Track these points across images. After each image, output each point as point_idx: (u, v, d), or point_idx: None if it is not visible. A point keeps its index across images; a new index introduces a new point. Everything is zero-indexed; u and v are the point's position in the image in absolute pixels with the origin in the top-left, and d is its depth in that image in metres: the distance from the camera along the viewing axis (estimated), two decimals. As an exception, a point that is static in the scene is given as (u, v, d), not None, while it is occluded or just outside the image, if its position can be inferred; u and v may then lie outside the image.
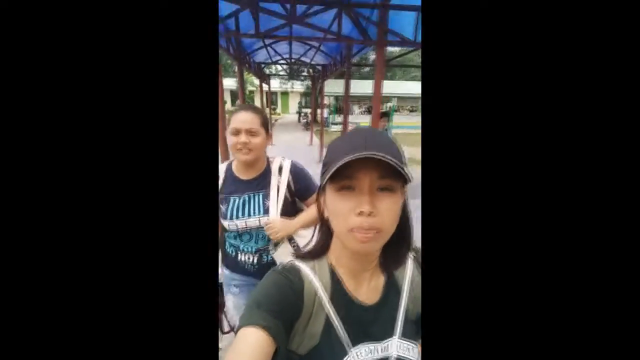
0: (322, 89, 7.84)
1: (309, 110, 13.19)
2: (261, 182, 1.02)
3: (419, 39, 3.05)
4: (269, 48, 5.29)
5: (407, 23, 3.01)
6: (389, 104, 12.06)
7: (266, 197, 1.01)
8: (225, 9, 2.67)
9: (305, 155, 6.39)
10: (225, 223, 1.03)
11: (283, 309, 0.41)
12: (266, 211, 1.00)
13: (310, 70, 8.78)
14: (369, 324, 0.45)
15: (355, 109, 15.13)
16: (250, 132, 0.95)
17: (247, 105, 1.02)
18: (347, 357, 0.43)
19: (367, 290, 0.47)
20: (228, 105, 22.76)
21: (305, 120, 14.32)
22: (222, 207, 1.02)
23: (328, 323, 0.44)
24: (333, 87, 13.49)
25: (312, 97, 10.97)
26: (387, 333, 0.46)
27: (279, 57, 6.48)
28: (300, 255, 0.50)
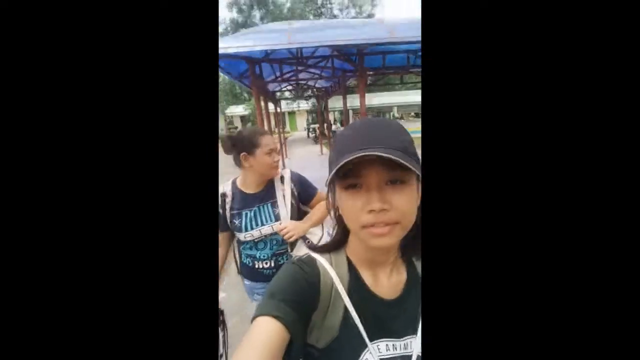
0: (326, 106, 8.85)
1: (317, 126, 14.22)
2: (267, 194, 1.13)
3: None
4: (279, 78, 6.33)
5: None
6: (391, 114, 12.94)
7: (274, 205, 1.12)
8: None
9: (319, 163, 7.32)
10: (242, 235, 1.13)
11: (298, 300, 0.41)
12: (277, 218, 1.11)
13: (315, 91, 9.84)
14: (389, 319, 0.44)
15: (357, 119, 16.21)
16: (277, 152, 1.10)
17: (262, 129, 1.15)
18: (365, 351, 0.42)
19: (387, 285, 0.46)
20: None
21: (314, 135, 15.36)
22: (237, 222, 1.12)
23: (346, 315, 0.43)
24: (335, 103, 14.58)
25: (318, 114, 12.00)
26: (407, 330, 0.44)
27: (286, 84, 7.55)
28: (317, 247, 0.50)
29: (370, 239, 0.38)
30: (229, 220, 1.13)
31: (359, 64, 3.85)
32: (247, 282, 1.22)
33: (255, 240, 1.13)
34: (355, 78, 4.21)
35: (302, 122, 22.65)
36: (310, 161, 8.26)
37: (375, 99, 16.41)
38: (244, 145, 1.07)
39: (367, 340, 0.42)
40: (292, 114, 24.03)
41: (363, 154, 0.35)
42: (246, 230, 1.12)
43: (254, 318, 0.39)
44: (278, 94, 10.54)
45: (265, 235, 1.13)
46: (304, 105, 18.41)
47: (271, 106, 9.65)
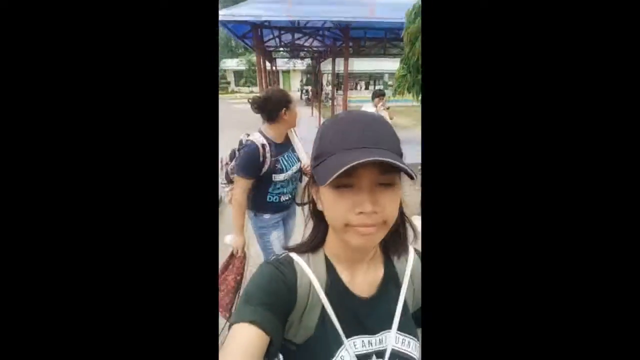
0: (319, 69, 9.54)
1: (310, 87, 14.76)
2: (287, 142, 1.45)
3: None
4: (276, 39, 7.00)
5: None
6: (382, 81, 13.58)
7: (294, 151, 1.47)
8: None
9: (308, 124, 8.32)
10: (281, 176, 1.38)
11: (275, 301, 0.41)
12: (298, 160, 1.46)
13: (310, 52, 10.38)
14: (365, 316, 0.45)
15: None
16: None
17: (286, 90, 1.41)
18: (342, 347, 0.43)
19: (363, 282, 0.47)
20: (233, 86, 24.18)
21: (306, 97, 15.95)
22: (278, 166, 1.37)
23: (323, 315, 0.44)
24: (328, 66, 14.98)
25: (313, 75, 12.57)
26: (383, 326, 0.45)
27: (283, 44, 8.16)
28: (294, 248, 0.49)
29: (355, 237, 0.38)
30: (270, 166, 1.34)
31: (344, 35, 4.73)
32: (267, 215, 1.45)
33: (286, 179, 1.42)
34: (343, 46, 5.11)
35: (296, 83, 22.82)
36: (300, 121, 9.21)
37: (365, 64, 16.83)
38: (281, 103, 1.33)
39: (343, 337, 0.43)
40: (286, 72, 24.00)
41: (372, 159, 0.33)
42: (285, 171, 1.39)
43: (231, 325, 0.38)
44: (274, 53, 11.00)
45: (291, 175, 1.43)
46: (300, 65, 18.58)
47: (268, 65, 10.18)
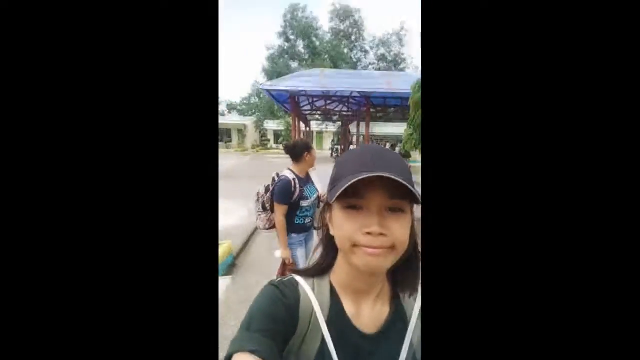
0: (349, 130, 10.59)
1: (340, 146, 16.00)
2: (308, 177, 1.93)
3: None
4: (311, 105, 8.24)
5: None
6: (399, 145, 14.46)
7: (313, 183, 1.94)
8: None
9: None
10: (307, 202, 1.83)
11: (275, 327, 0.40)
12: (317, 190, 1.93)
13: (340, 116, 11.69)
14: (366, 353, 0.42)
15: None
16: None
17: (308, 141, 1.99)
18: None
19: (369, 317, 0.44)
20: (272, 143, 26.77)
21: (336, 155, 17.15)
22: (304, 193, 1.83)
23: (323, 345, 0.42)
24: (355, 129, 16.43)
25: (342, 137, 13.79)
26: None
27: (316, 111, 9.48)
28: (301, 271, 0.48)
29: (362, 257, 0.37)
30: (299, 194, 1.79)
31: (366, 102, 5.58)
32: (294, 235, 1.87)
33: (310, 204, 1.87)
34: (365, 111, 5.94)
35: (327, 143, 24.74)
36: (327, 174, 9.99)
37: (388, 128, 18.20)
38: (305, 148, 1.86)
39: None
40: (320, 134, 26.31)
41: (378, 173, 0.34)
42: (309, 197, 1.85)
43: (230, 354, 0.36)
44: (309, 116, 12.53)
45: (312, 201, 1.87)
46: (331, 127, 20.41)
47: (303, 126, 11.56)
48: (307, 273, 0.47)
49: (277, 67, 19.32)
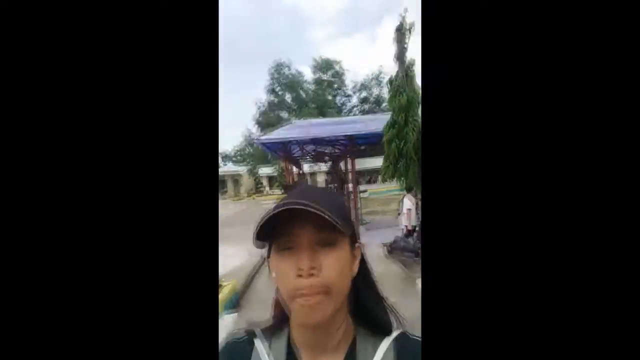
0: (339, 168, 11.36)
1: (334, 185, 16.71)
2: None
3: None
4: (302, 150, 9.08)
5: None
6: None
7: None
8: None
9: None
10: None
11: None
12: None
13: (330, 156, 12.53)
14: None
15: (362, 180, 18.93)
16: None
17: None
18: None
19: None
20: (267, 189, 27.40)
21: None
22: None
23: None
24: (344, 167, 17.40)
25: (334, 175, 14.55)
26: None
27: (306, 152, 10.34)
28: (259, 328, 0.45)
29: (299, 311, 0.35)
30: None
31: (350, 143, 6.34)
32: None
33: None
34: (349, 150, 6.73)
35: (321, 182, 25.56)
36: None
37: (372, 162, 19.46)
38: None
39: None
40: (313, 174, 27.30)
41: (289, 207, 0.33)
42: None
43: None
44: (301, 160, 13.41)
45: None
46: (323, 167, 21.37)
47: (295, 169, 12.32)
48: (266, 331, 0.45)
49: (268, 119, 20.75)
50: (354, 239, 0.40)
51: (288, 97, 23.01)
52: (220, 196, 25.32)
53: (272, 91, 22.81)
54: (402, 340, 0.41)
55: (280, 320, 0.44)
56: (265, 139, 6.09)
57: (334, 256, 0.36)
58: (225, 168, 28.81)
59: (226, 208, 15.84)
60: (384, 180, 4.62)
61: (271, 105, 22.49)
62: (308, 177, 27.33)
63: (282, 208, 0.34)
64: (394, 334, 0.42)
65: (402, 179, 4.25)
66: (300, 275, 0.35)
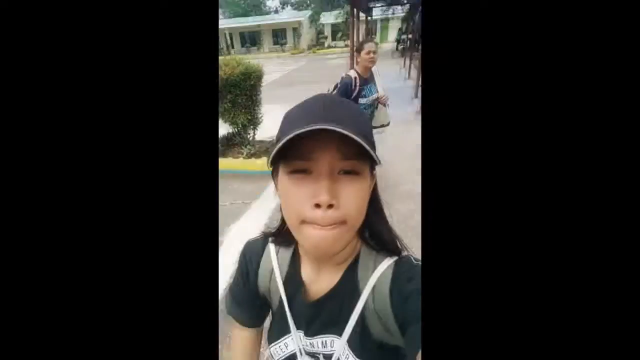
0: (417, 18, 8.86)
1: (409, 35, 13.73)
2: (371, 77, 2.25)
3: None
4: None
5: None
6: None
7: (374, 84, 2.26)
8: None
9: (394, 76, 8.45)
10: (363, 100, 2.16)
11: (244, 295, 0.48)
12: (377, 91, 2.24)
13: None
14: (309, 318, 0.43)
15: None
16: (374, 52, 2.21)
17: (366, 39, 2.21)
18: (287, 335, 0.45)
19: (321, 283, 0.43)
20: (329, 41, 24.37)
21: (402, 47, 14.96)
22: (364, 92, 2.15)
23: (281, 300, 0.45)
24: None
25: (410, 25, 11.67)
26: (325, 331, 0.42)
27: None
28: (271, 232, 0.47)
29: (309, 237, 0.33)
30: (357, 93, 2.15)
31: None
32: None
33: (367, 103, 2.24)
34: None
35: (393, 33, 21.27)
36: (388, 74, 9.15)
37: None
38: (358, 49, 2.23)
39: (292, 326, 0.44)
40: (385, 21, 22.51)
41: (320, 127, 0.29)
42: (367, 96, 2.20)
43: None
44: (370, 2, 10.67)
45: (372, 100, 2.25)
46: (399, 11, 17.13)
47: (363, 16, 10.03)
48: (277, 234, 0.47)
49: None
50: (374, 163, 0.34)
51: None
52: (279, 48, 23.80)
53: None
54: (403, 262, 0.41)
55: (284, 231, 0.44)
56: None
57: (355, 187, 0.33)
58: (285, 16, 25.65)
59: (286, 64, 15.02)
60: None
61: None
62: (377, 28, 22.78)
63: (307, 129, 0.29)
64: (396, 256, 0.42)
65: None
66: (317, 206, 0.32)
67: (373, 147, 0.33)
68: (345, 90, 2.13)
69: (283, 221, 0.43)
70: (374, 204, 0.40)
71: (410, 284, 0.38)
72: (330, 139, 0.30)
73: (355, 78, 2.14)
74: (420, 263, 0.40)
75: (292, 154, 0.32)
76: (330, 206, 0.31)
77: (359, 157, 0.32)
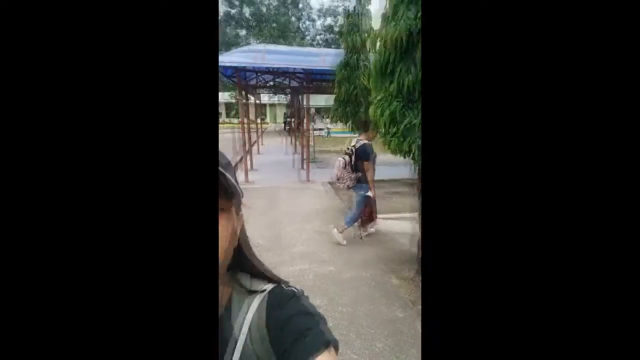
0: (297, 104, 11.12)
1: (293, 119, 16.33)
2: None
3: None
4: (258, 78, 8.55)
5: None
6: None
7: None
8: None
9: (283, 151, 9.80)
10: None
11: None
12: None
13: (289, 90, 12.04)
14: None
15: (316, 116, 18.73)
16: None
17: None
18: None
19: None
20: (224, 117, 25.83)
21: (288, 127, 17.48)
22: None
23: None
24: (312, 100, 16.86)
25: (293, 110, 14.21)
26: None
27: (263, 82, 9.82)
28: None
29: None
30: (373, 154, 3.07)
31: (306, 77, 6.20)
32: (364, 185, 3.01)
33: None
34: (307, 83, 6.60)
35: (281, 114, 24.76)
36: (279, 147, 10.64)
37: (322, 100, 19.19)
38: (371, 123, 2.70)
39: None
40: (272, 106, 26.12)
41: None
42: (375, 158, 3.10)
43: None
44: (259, 89, 12.65)
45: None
46: (283, 99, 20.47)
47: (252, 99, 11.70)
48: None
49: (226, 37, 18.34)
50: (239, 204, 0.39)
51: (246, 12, 20.16)
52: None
53: (229, 2, 19.66)
54: (275, 292, 0.43)
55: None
56: (219, 62, 5.63)
57: (221, 224, 0.35)
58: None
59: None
60: (333, 121, 4.77)
61: (227, 18, 19.63)
62: (267, 109, 26.16)
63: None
64: (268, 287, 0.43)
65: (349, 122, 4.32)
66: None
67: (237, 185, 0.36)
68: (370, 150, 2.95)
69: None
70: (244, 244, 0.42)
71: (283, 310, 0.39)
72: None
73: (370, 144, 2.96)
74: (292, 288, 0.43)
75: None
76: None
77: (224, 194, 0.34)
